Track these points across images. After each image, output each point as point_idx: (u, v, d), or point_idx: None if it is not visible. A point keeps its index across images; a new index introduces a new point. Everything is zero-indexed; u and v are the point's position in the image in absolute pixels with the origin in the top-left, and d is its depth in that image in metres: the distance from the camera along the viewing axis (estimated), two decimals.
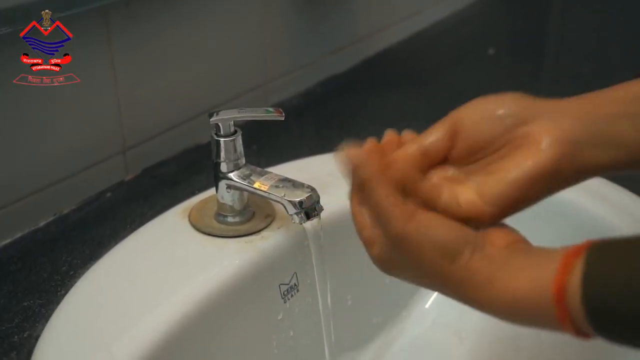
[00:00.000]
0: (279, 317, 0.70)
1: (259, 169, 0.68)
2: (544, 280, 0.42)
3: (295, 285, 0.71)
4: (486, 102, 0.50)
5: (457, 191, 0.49)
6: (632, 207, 0.75)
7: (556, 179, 0.47)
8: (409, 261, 0.47)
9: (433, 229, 0.46)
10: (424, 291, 0.81)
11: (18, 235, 0.74)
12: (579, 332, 0.42)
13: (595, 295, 0.40)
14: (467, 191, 0.49)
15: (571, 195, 0.62)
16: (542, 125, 0.47)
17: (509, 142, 0.48)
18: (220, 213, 0.70)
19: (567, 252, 0.42)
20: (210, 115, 0.66)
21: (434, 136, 0.51)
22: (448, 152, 0.50)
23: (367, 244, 0.51)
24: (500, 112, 0.48)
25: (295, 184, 0.66)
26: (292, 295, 0.70)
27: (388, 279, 0.78)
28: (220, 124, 0.66)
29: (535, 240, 0.48)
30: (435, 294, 0.81)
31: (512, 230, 0.48)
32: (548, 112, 0.48)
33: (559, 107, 0.48)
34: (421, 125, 0.98)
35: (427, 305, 0.81)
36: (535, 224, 0.58)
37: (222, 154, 0.67)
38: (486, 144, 0.49)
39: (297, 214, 0.65)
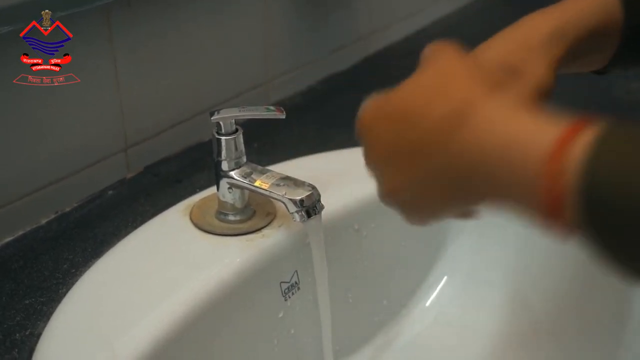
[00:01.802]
0: (280, 315, 0.70)
1: (260, 167, 0.68)
2: (545, 131, 0.39)
3: (296, 283, 0.71)
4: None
5: None
6: None
7: None
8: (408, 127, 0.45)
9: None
10: (424, 290, 0.81)
11: (20, 233, 0.74)
12: (559, 209, 0.37)
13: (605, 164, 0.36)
14: None
15: None
16: None
17: None
18: (221, 211, 0.70)
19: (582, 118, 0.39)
20: (212, 114, 0.66)
21: None
22: None
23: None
24: None
25: (296, 183, 0.66)
26: (293, 293, 0.71)
27: (389, 277, 0.78)
28: (221, 123, 0.66)
29: None
30: (436, 293, 0.81)
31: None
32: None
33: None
34: None
35: (427, 304, 0.81)
36: None
37: (223, 153, 0.67)
38: None
39: (297, 212, 0.65)
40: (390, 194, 0.49)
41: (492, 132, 0.41)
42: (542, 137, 0.39)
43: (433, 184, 0.45)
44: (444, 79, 0.46)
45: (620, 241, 0.36)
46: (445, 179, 0.44)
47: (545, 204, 0.38)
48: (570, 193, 0.37)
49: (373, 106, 0.50)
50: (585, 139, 0.37)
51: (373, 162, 0.49)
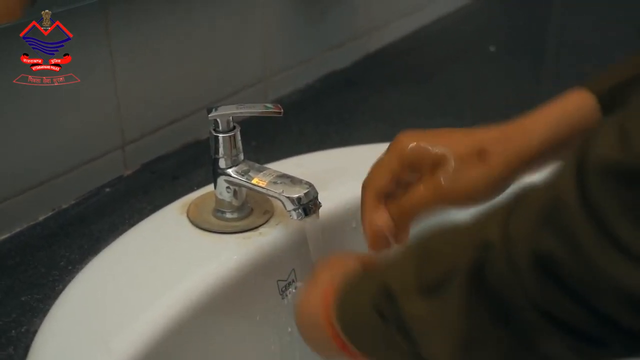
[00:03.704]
0: (277, 313, 0.70)
1: (257, 165, 0.68)
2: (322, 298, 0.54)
3: (293, 281, 0.71)
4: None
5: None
6: None
7: None
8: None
9: None
10: None
11: (17, 230, 0.74)
12: (339, 340, 0.52)
13: (339, 309, 0.52)
14: None
15: None
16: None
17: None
18: (219, 209, 0.70)
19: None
20: (209, 111, 0.66)
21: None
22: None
23: None
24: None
25: (293, 180, 0.66)
26: (290, 292, 0.70)
27: None
28: (218, 120, 0.66)
29: None
30: None
31: None
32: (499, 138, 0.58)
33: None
34: (421, 121, 0.99)
35: None
36: None
37: (221, 150, 0.67)
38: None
39: (295, 210, 0.65)
40: None
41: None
42: (318, 305, 0.54)
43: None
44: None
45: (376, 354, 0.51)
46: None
47: (338, 348, 0.53)
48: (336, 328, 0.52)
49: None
50: (337, 292, 0.53)
51: None
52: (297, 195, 0.64)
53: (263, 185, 0.66)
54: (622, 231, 0.34)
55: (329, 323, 0.53)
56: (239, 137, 0.67)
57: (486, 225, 0.42)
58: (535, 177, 0.51)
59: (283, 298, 0.70)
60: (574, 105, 0.57)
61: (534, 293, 0.38)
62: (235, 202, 0.69)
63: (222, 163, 0.67)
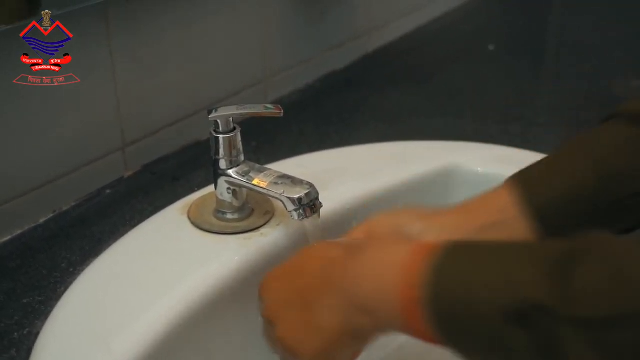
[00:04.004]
0: None
1: (257, 165, 0.68)
2: (397, 253, 0.48)
3: None
4: (393, 217, 0.61)
5: None
6: None
7: None
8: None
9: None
10: None
11: (17, 232, 0.74)
12: (420, 327, 0.45)
13: (440, 298, 0.44)
14: None
15: None
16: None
17: None
18: (220, 210, 0.70)
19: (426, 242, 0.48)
20: (209, 112, 0.66)
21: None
22: None
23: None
24: (405, 227, 0.59)
25: (294, 181, 0.66)
26: None
27: None
28: (219, 121, 0.66)
29: None
30: None
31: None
32: (434, 227, 0.59)
33: (442, 222, 0.59)
34: (421, 121, 0.99)
35: None
36: None
37: (221, 151, 0.67)
38: None
39: (296, 210, 0.65)
40: (282, 338, 0.55)
41: (363, 264, 0.50)
42: (396, 258, 0.47)
43: (321, 323, 0.52)
44: (321, 249, 0.57)
45: (466, 348, 0.44)
46: (328, 316, 0.52)
47: (404, 316, 0.46)
48: (422, 304, 0.44)
49: (272, 270, 0.58)
50: (432, 257, 0.45)
51: (269, 314, 0.56)
52: (298, 196, 0.64)
53: (264, 186, 0.66)
54: None
55: (412, 303, 0.45)
56: (239, 138, 0.67)
57: None
58: None
59: None
60: (499, 214, 0.57)
61: None
62: (236, 203, 0.70)
63: (222, 164, 0.67)
